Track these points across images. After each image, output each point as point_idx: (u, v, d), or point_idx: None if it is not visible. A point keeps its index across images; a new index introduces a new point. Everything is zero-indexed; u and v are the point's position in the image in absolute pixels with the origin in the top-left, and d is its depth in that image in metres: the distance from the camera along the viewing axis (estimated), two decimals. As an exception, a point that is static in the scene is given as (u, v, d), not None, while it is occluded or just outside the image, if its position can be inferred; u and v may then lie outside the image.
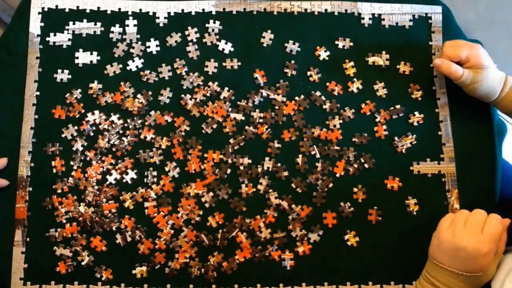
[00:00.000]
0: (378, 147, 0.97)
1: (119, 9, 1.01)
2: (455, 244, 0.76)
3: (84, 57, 1.00)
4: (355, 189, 0.96)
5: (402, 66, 1.00)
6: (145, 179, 0.95)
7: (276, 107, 0.98)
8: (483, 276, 0.76)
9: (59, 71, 0.99)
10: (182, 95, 0.98)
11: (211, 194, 0.95)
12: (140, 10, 1.02)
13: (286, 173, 0.96)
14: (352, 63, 1.00)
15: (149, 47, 1.00)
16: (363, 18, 1.02)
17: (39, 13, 1.01)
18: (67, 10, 1.01)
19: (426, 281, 0.80)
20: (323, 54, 1.00)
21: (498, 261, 0.78)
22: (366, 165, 0.96)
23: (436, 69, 0.98)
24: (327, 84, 0.99)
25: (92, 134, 0.97)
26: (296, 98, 0.99)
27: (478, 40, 1.08)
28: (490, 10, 1.14)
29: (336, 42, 1.01)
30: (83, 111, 0.97)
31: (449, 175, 0.96)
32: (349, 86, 0.99)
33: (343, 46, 1.01)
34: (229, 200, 0.95)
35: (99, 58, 0.99)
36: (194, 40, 1.01)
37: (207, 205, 0.95)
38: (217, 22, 1.01)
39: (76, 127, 0.97)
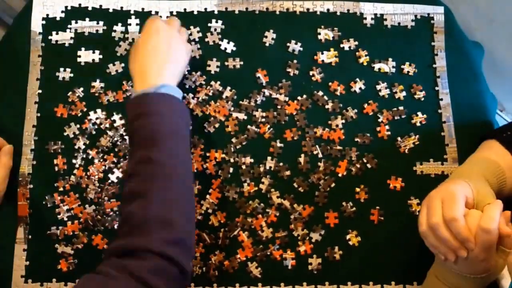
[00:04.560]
0: (380, 147, 0.97)
1: (121, 8, 1.01)
2: None
3: (86, 56, 0.99)
4: (357, 189, 0.96)
5: (406, 66, 1.00)
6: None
7: (279, 107, 0.98)
8: (491, 275, 0.73)
9: (61, 69, 0.99)
10: (185, 94, 0.98)
11: (218, 194, 0.95)
12: (143, 9, 1.02)
13: (288, 173, 0.96)
14: (365, 51, 1.01)
15: (151, 46, 1.00)
16: (365, 18, 1.02)
17: (41, 11, 1.00)
18: (69, 8, 1.01)
19: (436, 278, 0.79)
20: (325, 54, 1.00)
21: (506, 256, 0.73)
22: (368, 165, 0.96)
23: None
24: (330, 84, 0.99)
25: (94, 132, 0.96)
26: (299, 97, 0.99)
27: (478, 41, 1.08)
28: (490, 10, 1.15)
29: (342, 45, 1.01)
30: (85, 109, 0.97)
31: (452, 175, 0.96)
32: (352, 86, 0.99)
33: (349, 47, 1.01)
34: (234, 199, 0.95)
35: (101, 56, 0.99)
36: (197, 40, 1.01)
37: (209, 204, 0.95)
38: (219, 22, 1.01)
39: (78, 126, 0.97)
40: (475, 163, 0.86)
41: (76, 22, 1.00)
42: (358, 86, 0.99)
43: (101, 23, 1.01)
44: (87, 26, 1.01)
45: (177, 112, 0.83)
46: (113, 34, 1.00)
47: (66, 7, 1.01)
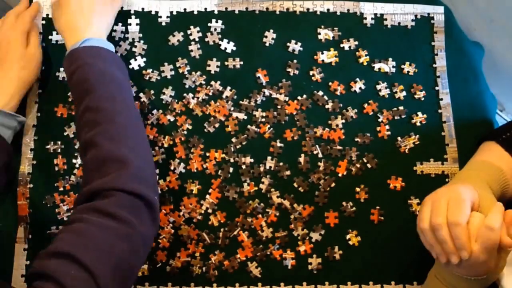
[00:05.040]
0: (381, 147, 0.97)
1: (122, 7, 1.01)
2: None
3: (86, 56, 0.99)
4: (358, 189, 0.96)
5: (406, 66, 1.00)
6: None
7: (279, 107, 0.98)
8: (492, 276, 0.73)
9: (61, 69, 0.99)
10: (185, 94, 0.98)
11: (218, 194, 0.95)
12: (143, 9, 1.02)
13: (288, 173, 0.96)
14: (365, 51, 1.01)
15: (151, 46, 1.00)
16: (365, 18, 1.02)
17: (41, 11, 1.00)
18: (69, 8, 1.01)
19: (436, 279, 0.79)
20: (325, 54, 1.00)
21: (506, 256, 0.73)
22: (368, 165, 0.96)
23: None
24: (330, 83, 0.99)
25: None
26: (299, 97, 0.99)
27: (478, 41, 1.08)
28: (490, 10, 1.14)
29: (342, 45, 1.01)
30: (85, 109, 0.97)
31: (453, 175, 0.96)
32: (352, 86, 0.99)
33: (349, 47, 1.01)
34: (234, 199, 0.95)
35: (101, 56, 0.99)
36: (197, 39, 1.01)
37: (209, 204, 0.95)
38: (219, 21, 1.01)
39: (78, 126, 0.97)
40: (476, 168, 0.85)
41: (76, 22, 1.00)
42: (358, 86, 0.99)
43: (101, 23, 1.01)
44: (87, 26, 1.01)
45: (107, 60, 0.86)
46: (113, 34, 1.00)
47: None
